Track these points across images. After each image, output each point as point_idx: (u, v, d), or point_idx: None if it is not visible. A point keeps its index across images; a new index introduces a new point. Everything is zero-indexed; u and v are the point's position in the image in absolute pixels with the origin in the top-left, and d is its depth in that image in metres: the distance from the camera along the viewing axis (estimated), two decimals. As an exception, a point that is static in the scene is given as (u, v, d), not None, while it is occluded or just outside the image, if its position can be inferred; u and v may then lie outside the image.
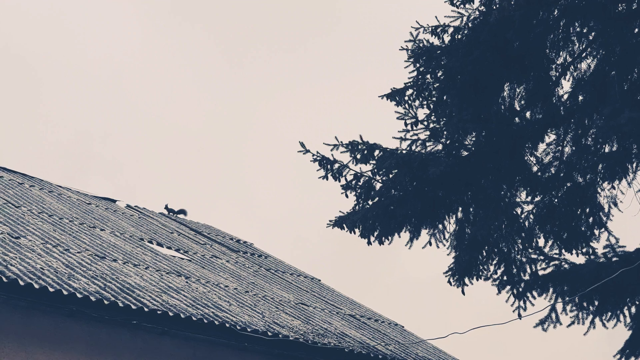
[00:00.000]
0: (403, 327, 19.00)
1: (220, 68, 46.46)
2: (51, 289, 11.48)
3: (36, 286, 11.34)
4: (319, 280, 20.93)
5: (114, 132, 45.81)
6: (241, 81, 46.65)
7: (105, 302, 11.94)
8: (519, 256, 14.24)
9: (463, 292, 14.35)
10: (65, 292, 11.59)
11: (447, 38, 13.79)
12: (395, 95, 14.04)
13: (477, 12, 13.75)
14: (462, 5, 13.81)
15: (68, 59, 45.39)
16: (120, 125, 46.41)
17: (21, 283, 11.22)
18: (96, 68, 46.24)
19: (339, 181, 14.30)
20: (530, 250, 14.24)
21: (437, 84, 13.94)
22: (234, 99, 46.46)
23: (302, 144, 14.19)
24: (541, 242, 14.21)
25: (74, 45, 45.44)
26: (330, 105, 44.69)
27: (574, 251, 14.10)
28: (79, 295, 11.71)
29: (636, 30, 13.26)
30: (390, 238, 14.27)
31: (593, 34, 13.64)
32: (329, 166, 14.25)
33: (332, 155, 14.18)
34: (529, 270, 14.22)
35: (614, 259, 13.78)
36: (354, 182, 14.28)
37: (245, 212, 44.45)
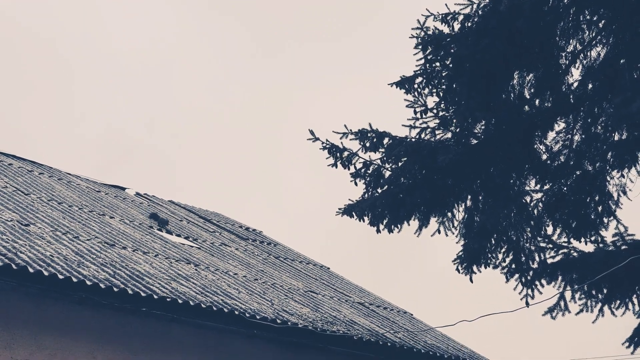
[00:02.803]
0: (412, 314, 19.02)
1: (254, 60, 46.61)
2: (61, 276, 11.50)
3: (46, 273, 11.36)
4: (328, 268, 20.95)
5: (148, 126, 46.04)
6: (275, 73, 46.78)
7: (115, 289, 11.96)
8: (527, 244, 14.25)
9: (471, 280, 14.38)
10: (74, 280, 11.61)
11: (457, 26, 13.77)
12: (405, 83, 14.03)
13: (487, 0, 13.72)
14: (472, -7, 13.79)
15: (105, 50, 45.57)
16: (155, 118, 46.64)
17: (31, 270, 11.23)
18: (130, 61, 46.41)
19: (348, 169, 14.31)
20: (539, 239, 14.24)
21: (446, 72, 13.92)
22: (268, 90, 46.61)
23: (312, 132, 14.20)
24: (550, 230, 14.22)
25: (111, 36, 45.62)
26: (364, 97, 44.73)
27: (583, 239, 14.09)
28: (88, 283, 11.73)
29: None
30: (399, 226, 14.29)
31: (603, 21, 13.60)
32: (338, 154, 14.27)
33: (341, 143, 14.20)
34: (537, 258, 14.23)
35: (623, 247, 13.77)
36: (363, 170, 14.29)
37: (277, 204, 44.65)
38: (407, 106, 14.06)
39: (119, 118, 45.44)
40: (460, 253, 14.28)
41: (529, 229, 14.19)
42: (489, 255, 14.26)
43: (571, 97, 13.94)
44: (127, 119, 45.83)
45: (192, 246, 17.23)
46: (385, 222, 14.24)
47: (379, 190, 14.26)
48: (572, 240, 14.13)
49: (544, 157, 14.19)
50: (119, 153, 44.78)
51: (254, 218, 48.16)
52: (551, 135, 14.15)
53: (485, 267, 14.33)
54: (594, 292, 13.93)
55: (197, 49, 46.95)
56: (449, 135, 14.09)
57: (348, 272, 24.88)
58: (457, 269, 14.31)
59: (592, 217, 14.00)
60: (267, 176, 46.26)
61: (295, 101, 46.47)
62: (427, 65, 13.88)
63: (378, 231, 14.32)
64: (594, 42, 13.78)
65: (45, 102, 44.31)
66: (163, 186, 46.20)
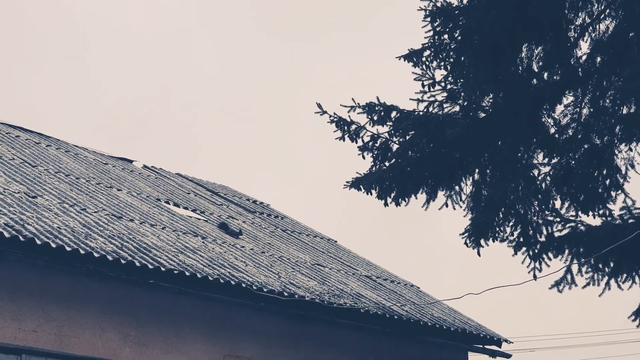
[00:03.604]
0: (419, 288, 19.04)
1: (268, 35, 46.69)
2: (68, 248, 11.52)
3: (53, 245, 11.38)
4: (335, 241, 20.97)
5: (163, 101, 46.21)
6: (287, 49, 46.90)
7: (122, 261, 11.98)
8: (535, 218, 14.24)
9: (479, 254, 14.38)
10: (82, 252, 11.63)
11: (465, -2, 13.72)
12: (413, 56, 13.98)
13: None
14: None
15: (122, 27, 45.63)
16: (170, 93, 46.80)
17: (38, 242, 11.25)
18: (144, 35, 46.52)
19: (356, 142, 14.29)
20: (546, 212, 14.22)
21: (455, 45, 13.86)
22: (280, 66, 46.73)
23: (319, 105, 14.16)
24: (558, 203, 14.21)
25: (129, 13, 45.73)
26: (378, 76, 44.81)
27: (590, 213, 14.08)
28: (96, 255, 11.75)
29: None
30: (406, 199, 14.28)
31: (612, -6, 13.53)
32: (345, 127, 14.23)
33: (349, 116, 14.16)
34: (545, 232, 14.22)
35: (630, 220, 13.75)
36: (370, 143, 14.27)
37: (286, 180, 44.89)
38: (415, 79, 14.02)
39: (131, 93, 45.55)
40: (468, 227, 14.28)
41: (536, 202, 14.18)
42: (497, 229, 14.26)
43: (580, 70, 13.89)
44: (139, 95, 45.96)
45: (199, 219, 17.25)
46: (392, 195, 14.23)
47: (387, 164, 14.24)
48: (579, 213, 14.12)
49: (552, 130, 14.15)
50: (131, 127, 44.92)
51: (265, 194, 48.45)
52: (559, 108, 14.12)
53: (493, 241, 14.33)
54: (600, 266, 13.93)
55: (212, 25, 46.98)
56: (457, 108, 14.06)
57: (355, 245, 24.96)
58: (465, 243, 14.31)
59: (600, 190, 13.98)
60: (278, 152, 46.39)
61: (307, 77, 46.51)
62: (436, 37, 13.83)
63: (386, 204, 14.32)
64: (602, 15, 13.71)
65: (58, 76, 44.44)
66: (174, 158, 46.42)
